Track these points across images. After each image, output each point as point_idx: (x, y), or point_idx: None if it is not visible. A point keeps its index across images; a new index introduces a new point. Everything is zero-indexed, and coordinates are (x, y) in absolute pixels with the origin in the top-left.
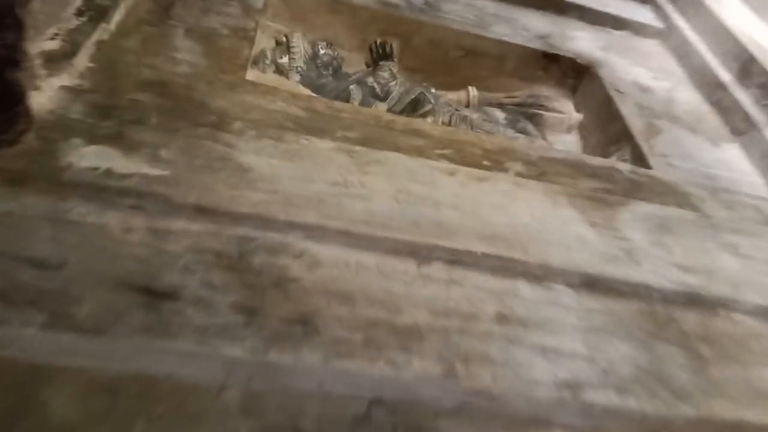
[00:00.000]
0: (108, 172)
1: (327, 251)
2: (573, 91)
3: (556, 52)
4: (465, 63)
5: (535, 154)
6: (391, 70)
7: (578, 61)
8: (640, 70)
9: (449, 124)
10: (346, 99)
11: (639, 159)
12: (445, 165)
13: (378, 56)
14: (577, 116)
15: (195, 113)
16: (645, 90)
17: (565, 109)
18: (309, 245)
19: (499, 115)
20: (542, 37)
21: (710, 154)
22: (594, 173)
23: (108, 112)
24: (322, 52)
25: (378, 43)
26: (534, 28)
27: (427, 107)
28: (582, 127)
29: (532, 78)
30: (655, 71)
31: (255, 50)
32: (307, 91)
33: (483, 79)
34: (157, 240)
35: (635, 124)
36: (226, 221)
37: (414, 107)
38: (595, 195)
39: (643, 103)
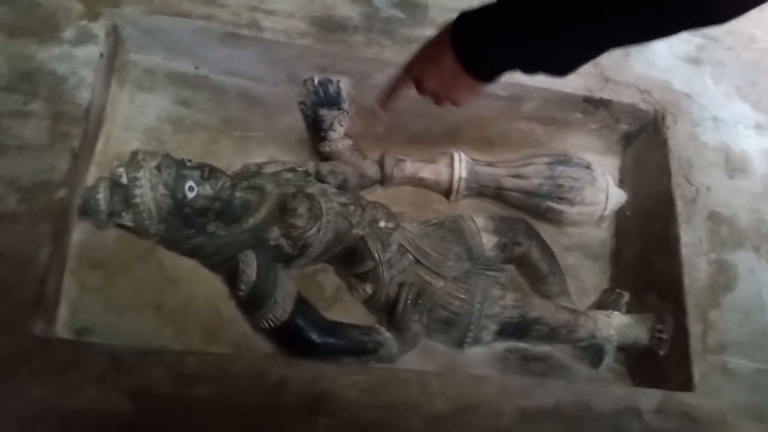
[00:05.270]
0: None
1: None
2: (626, 143)
3: (603, 95)
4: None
5: None
6: (311, 203)
7: (641, 106)
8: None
9: (400, 302)
10: (233, 273)
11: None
12: None
13: (317, 101)
14: (616, 201)
15: None
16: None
17: (597, 195)
18: None
19: (487, 242)
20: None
21: None
22: None
23: None
24: (191, 194)
25: (316, 82)
26: None
27: (367, 265)
28: (623, 223)
29: (563, 124)
30: None
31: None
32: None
33: (483, 125)
34: None
35: (696, 265)
36: None
37: (348, 259)
38: None
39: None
